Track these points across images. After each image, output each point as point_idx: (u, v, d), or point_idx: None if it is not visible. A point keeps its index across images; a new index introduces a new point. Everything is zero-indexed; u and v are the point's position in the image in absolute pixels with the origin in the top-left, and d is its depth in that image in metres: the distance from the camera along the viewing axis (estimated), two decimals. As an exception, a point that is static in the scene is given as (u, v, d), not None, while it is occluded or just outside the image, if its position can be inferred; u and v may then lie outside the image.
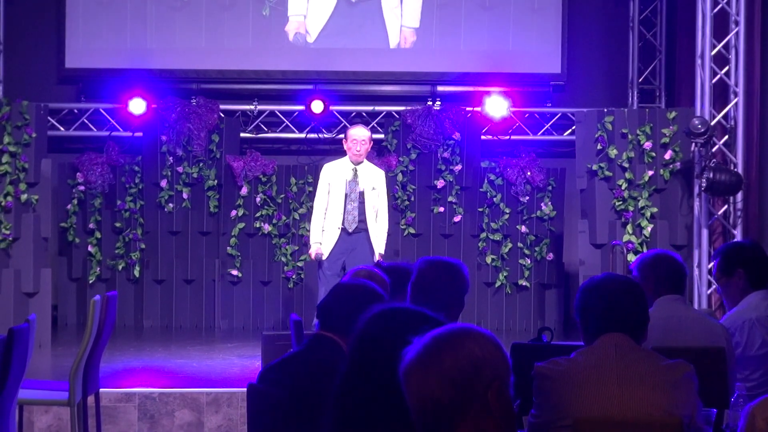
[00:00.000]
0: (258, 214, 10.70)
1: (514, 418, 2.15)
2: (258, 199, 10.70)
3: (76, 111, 11.18)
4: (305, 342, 3.83)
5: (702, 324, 4.46)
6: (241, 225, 10.69)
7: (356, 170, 8.46)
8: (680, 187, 9.78)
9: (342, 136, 9.21)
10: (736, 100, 9.26)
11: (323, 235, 8.46)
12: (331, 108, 10.94)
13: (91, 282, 10.69)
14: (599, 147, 10.01)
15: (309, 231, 8.78)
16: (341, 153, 8.75)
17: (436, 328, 2.18)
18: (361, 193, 8.42)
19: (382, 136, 10.96)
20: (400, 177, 10.70)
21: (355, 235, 8.41)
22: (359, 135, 8.47)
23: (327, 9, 11.19)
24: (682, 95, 10.56)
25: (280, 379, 3.60)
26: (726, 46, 9.31)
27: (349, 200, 8.41)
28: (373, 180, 8.51)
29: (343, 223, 8.40)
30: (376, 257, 8.36)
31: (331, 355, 3.55)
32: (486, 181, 10.75)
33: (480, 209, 10.73)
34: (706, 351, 4.22)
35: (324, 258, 8.40)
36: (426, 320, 2.45)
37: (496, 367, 2.11)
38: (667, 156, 9.81)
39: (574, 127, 10.57)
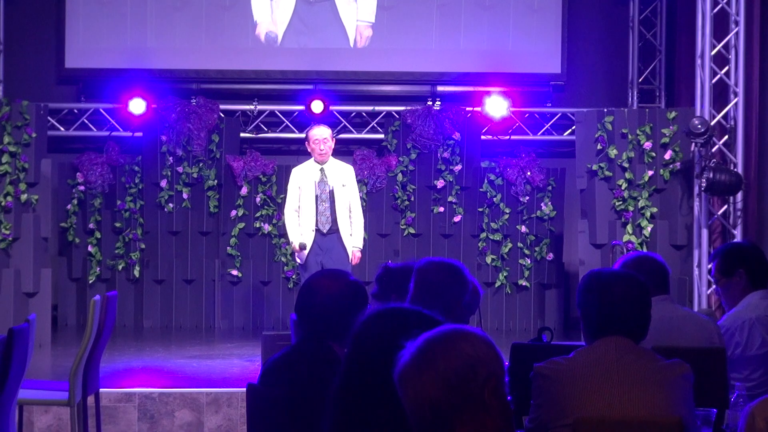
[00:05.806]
0: (258, 214, 10.70)
1: (511, 416, 2.16)
2: (258, 199, 10.70)
3: (76, 111, 11.17)
4: None
5: (693, 322, 4.47)
6: (241, 225, 10.69)
7: (323, 170, 8.43)
8: (680, 187, 9.78)
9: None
10: (735, 100, 9.26)
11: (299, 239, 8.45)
12: (331, 108, 10.94)
13: (91, 282, 10.69)
14: (599, 147, 10.01)
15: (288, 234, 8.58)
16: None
17: (433, 328, 2.18)
18: (332, 192, 8.39)
19: (382, 136, 10.96)
20: (400, 177, 10.70)
21: (329, 235, 8.37)
22: (319, 134, 8.41)
23: (288, 9, 11.16)
24: (682, 95, 10.56)
25: None
26: (726, 46, 9.31)
27: (320, 201, 8.37)
28: (342, 177, 8.46)
29: (316, 225, 8.35)
30: (350, 255, 8.36)
31: None
32: (486, 181, 10.75)
33: (480, 209, 10.73)
34: (706, 351, 4.23)
35: (306, 251, 8.35)
36: (423, 320, 2.45)
37: (491, 365, 2.11)
38: (667, 156, 9.81)
39: (574, 127, 10.57)
